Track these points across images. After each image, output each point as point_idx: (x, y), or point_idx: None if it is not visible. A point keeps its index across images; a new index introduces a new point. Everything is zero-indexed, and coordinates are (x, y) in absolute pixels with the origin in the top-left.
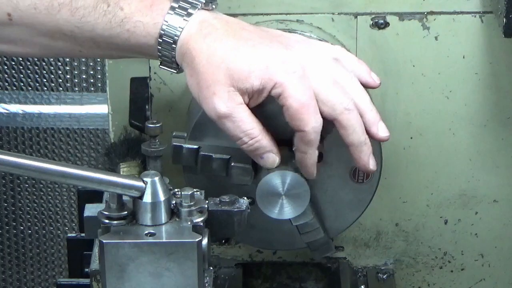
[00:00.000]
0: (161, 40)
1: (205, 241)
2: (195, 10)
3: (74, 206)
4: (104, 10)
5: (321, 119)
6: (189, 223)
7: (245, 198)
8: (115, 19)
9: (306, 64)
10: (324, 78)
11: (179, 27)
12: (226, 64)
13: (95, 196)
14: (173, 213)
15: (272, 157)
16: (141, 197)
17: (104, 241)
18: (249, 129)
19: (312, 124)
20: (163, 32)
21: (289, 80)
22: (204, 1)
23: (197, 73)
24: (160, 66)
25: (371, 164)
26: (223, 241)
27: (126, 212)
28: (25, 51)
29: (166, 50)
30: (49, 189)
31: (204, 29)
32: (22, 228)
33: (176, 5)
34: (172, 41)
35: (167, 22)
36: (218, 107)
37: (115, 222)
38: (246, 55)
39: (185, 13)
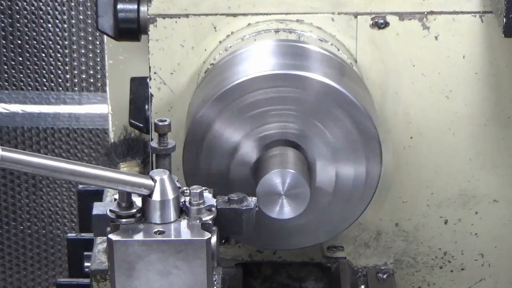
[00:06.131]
0: None
1: (214, 239)
2: None
3: (74, 206)
4: None
5: None
6: (198, 221)
7: (254, 197)
8: None
9: None
10: None
11: None
12: None
13: (95, 196)
14: (182, 211)
15: None
16: (150, 195)
17: (113, 239)
18: None
19: None
20: None
21: None
22: None
23: None
24: None
25: None
26: (223, 241)
27: (135, 210)
28: None
29: None
30: (49, 189)
31: None
32: (22, 228)
33: None
34: None
35: None
36: None
37: (124, 220)
38: None
39: None
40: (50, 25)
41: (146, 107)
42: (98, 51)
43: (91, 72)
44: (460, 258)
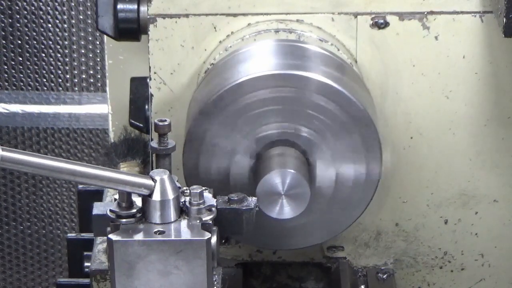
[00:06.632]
0: None
1: (214, 239)
2: None
3: (74, 206)
4: None
5: None
6: (198, 221)
7: (254, 197)
8: None
9: None
10: None
11: None
12: None
13: (95, 196)
14: (182, 211)
15: None
16: (150, 195)
17: (113, 239)
18: None
19: None
20: None
21: None
22: None
23: None
24: None
25: None
26: (223, 241)
27: (135, 210)
28: None
29: None
30: (49, 189)
31: None
32: (22, 228)
33: None
34: None
35: None
36: None
37: (124, 220)
38: None
39: None
40: (50, 25)
41: (146, 107)
42: (98, 51)
43: (91, 72)
44: (460, 258)
